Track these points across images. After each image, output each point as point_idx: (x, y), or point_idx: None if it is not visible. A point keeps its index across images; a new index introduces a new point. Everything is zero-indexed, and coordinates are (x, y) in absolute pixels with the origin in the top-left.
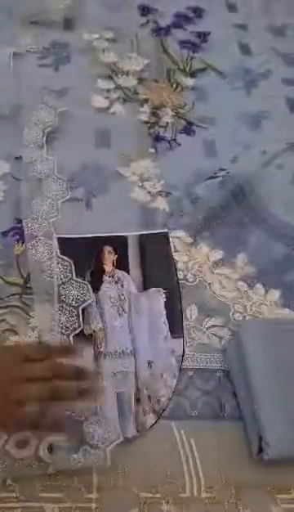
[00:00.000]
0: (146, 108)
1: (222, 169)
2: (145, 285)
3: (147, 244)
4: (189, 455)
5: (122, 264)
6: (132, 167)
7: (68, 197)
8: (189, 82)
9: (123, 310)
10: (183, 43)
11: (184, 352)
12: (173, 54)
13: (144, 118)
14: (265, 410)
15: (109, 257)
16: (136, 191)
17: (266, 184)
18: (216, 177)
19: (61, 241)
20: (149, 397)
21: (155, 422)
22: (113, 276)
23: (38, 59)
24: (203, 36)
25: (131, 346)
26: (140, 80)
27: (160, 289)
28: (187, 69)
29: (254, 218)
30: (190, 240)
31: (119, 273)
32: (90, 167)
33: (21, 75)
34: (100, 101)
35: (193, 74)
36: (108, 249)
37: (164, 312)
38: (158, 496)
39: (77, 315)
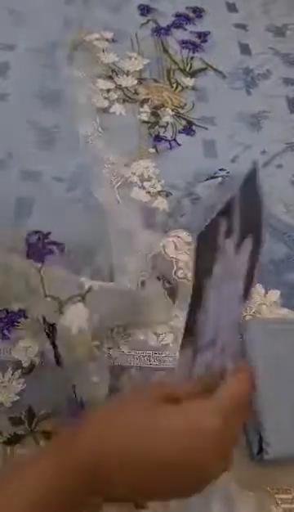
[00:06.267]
0: (146, 108)
1: (222, 169)
2: None
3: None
4: None
5: None
6: (132, 167)
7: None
8: (189, 82)
9: None
10: (183, 43)
11: None
12: (173, 54)
13: (144, 118)
14: (266, 410)
15: None
16: (136, 191)
17: (266, 184)
18: (216, 177)
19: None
20: None
21: None
22: None
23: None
24: (203, 36)
25: None
26: (140, 80)
27: None
28: (187, 69)
29: None
30: (190, 239)
31: None
32: (87, 167)
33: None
34: (100, 101)
35: (193, 74)
36: None
37: None
38: None
39: None
